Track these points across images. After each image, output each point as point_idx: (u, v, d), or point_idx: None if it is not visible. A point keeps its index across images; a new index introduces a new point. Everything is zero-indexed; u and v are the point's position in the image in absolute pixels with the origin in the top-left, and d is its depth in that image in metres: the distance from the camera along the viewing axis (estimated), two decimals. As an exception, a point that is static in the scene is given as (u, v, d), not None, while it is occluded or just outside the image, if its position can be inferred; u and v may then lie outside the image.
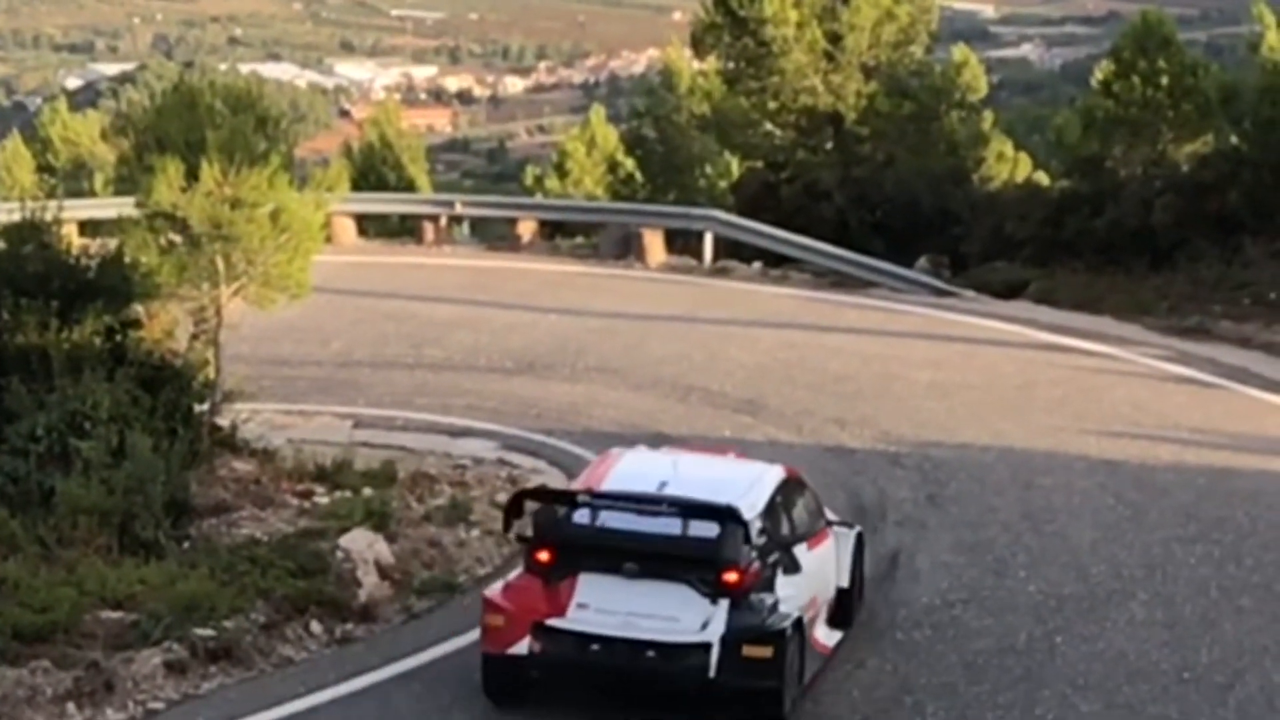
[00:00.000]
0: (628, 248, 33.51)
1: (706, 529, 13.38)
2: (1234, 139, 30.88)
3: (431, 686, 13.93)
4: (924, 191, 34.30)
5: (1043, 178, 36.26)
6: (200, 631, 14.23)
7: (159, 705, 13.47)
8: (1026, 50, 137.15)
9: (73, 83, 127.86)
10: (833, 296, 30.17)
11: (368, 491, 18.26)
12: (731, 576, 13.25)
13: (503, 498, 18.90)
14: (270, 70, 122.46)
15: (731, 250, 33.35)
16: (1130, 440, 20.83)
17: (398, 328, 27.47)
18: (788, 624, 13.33)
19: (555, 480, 19.85)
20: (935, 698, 13.64)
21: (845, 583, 15.11)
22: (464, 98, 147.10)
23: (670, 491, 13.73)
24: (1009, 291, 30.07)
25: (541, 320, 27.89)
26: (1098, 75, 32.49)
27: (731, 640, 13.09)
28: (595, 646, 13.22)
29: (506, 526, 14.04)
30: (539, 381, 24.32)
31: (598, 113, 47.61)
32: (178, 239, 20.30)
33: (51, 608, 14.12)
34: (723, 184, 41.63)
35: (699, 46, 36.66)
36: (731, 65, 35.90)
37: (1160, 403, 22.72)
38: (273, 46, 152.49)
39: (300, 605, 15.14)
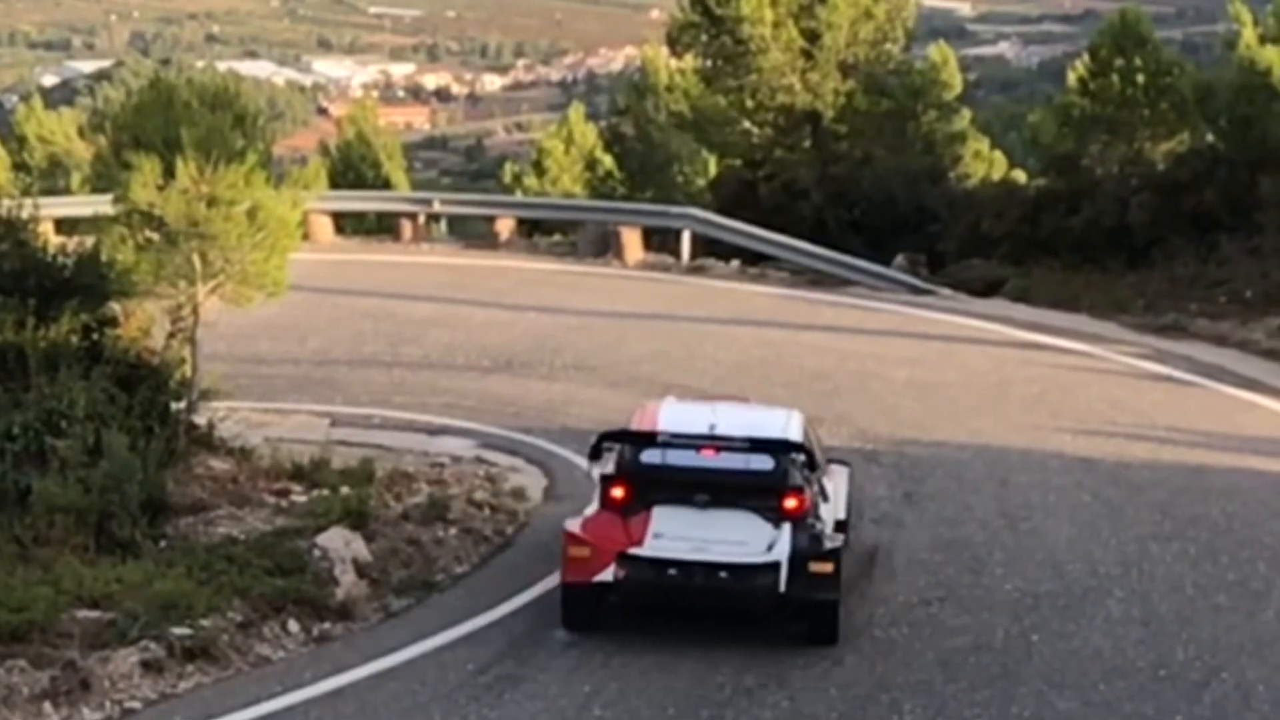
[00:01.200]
0: (606, 246, 33.52)
1: (766, 461, 14.98)
2: (1210, 137, 30.98)
3: (410, 685, 13.92)
4: (901, 190, 34.36)
5: (1019, 176, 36.35)
6: (177, 630, 14.20)
7: (136, 704, 13.44)
8: (1004, 48, 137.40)
9: (49, 80, 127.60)
10: (810, 294, 30.22)
11: (345, 490, 18.23)
12: (791, 502, 14.86)
13: (480, 495, 18.97)
14: (248, 68, 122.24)
15: (709, 248, 33.39)
16: (1106, 438, 20.89)
17: (375, 326, 27.46)
18: (840, 543, 15.10)
19: (534, 479, 19.90)
20: (912, 695, 13.67)
21: (843, 514, 16.45)
22: (442, 95, 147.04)
23: (720, 432, 15.13)
24: (986, 289, 30.15)
25: (519, 318, 27.89)
26: (1074, 73, 32.57)
27: (799, 558, 14.58)
28: (672, 571, 14.61)
29: (592, 462, 15.52)
30: (517, 380, 24.32)
31: (576, 110, 47.64)
32: (154, 237, 20.24)
33: (28, 607, 14.08)
34: (701, 182, 41.67)
35: (676, 45, 36.68)
36: (709, 64, 35.93)
37: (1136, 400, 22.78)
38: (250, 44, 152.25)
39: (277, 604, 15.12)
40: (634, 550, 14.73)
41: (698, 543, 14.72)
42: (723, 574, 14.59)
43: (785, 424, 15.67)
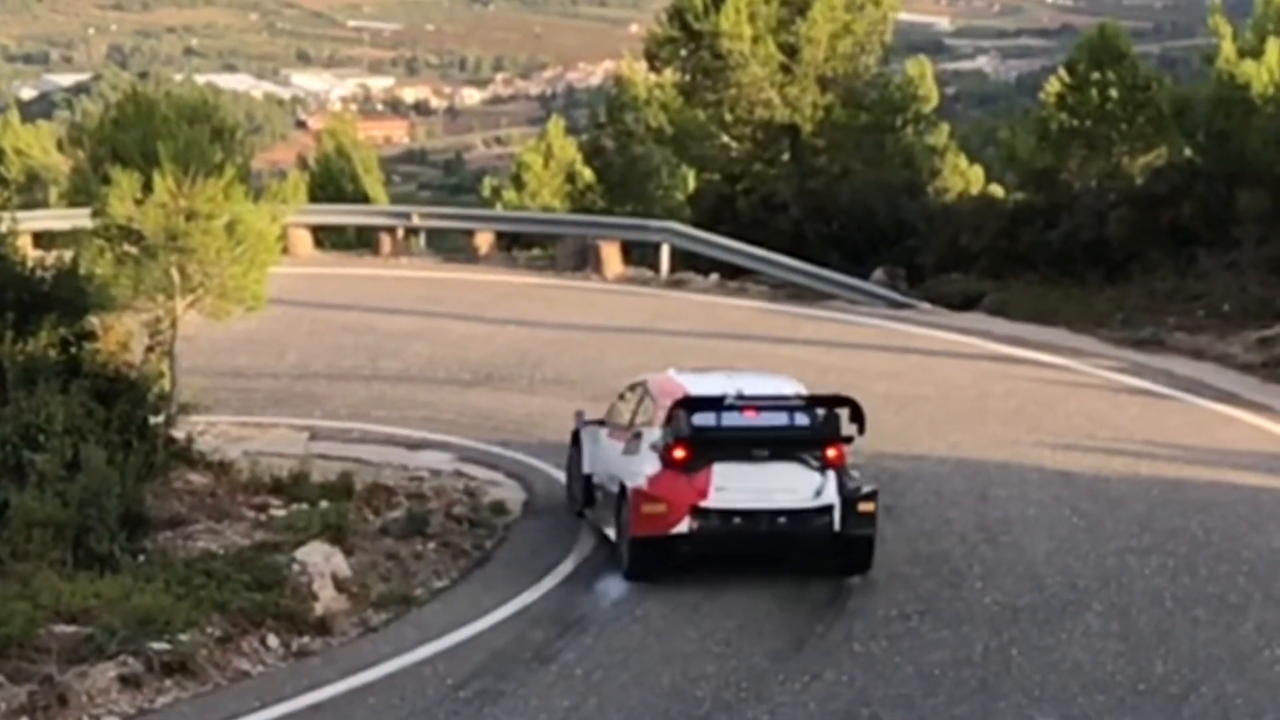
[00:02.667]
0: (585, 259, 33.55)
1: (807, 418, 16.87)
2: (1187, 151, 31.07)
3: (389, 700, 13.88)
4: (880, 204, 34.43)
5: (998, 190, 36.43)
6: (155, 645, 14.16)
7: (113, 719, 13.40)
8: (982, 62, 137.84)
9: (27, 93, 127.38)
10: (789, 308, 30.25)
11: (324, 504, 18.21)
12: (833, 452, 16.77)
13: (459, 510, 18.95)
14: (226, 81, 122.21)
15: (689, 262, 33.42)
16: (1085, 452, 20.92)
17: (354, 339, 27.44)
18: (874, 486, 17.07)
19: (514, 493, 19.88)
20: (892, 709, 13.66)
21: None
22: (421, 109, 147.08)
23: (747, 394, 16.98)
24: (964, 303, 30.20)
25: (499, 332, 27.88)
26: (1051, 88, 32.66)
27: (848, 500, 16.62)
28: (737, 520, 16.50)
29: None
30: (496, 393, 24.31)
31: (556, 124, 47.64)
32: (133, 250, 20.23)
33: (5, 622, 14.02)
34: (680, 196, 41.70)
35: (654, 60, 36.73)
36: (688, 78, 35.98)
37: (1115, 414, 22.82)
38: (229, 57, 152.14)
39: (256, 619, 15.08)
40: (703, 503, 16.40)
41: (758, 493, 16.52)
42: (782, 519, 16.53)
43: (796, 385, 17.58)
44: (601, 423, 18.71)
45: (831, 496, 16.60)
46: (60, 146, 44.82)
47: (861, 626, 15.40)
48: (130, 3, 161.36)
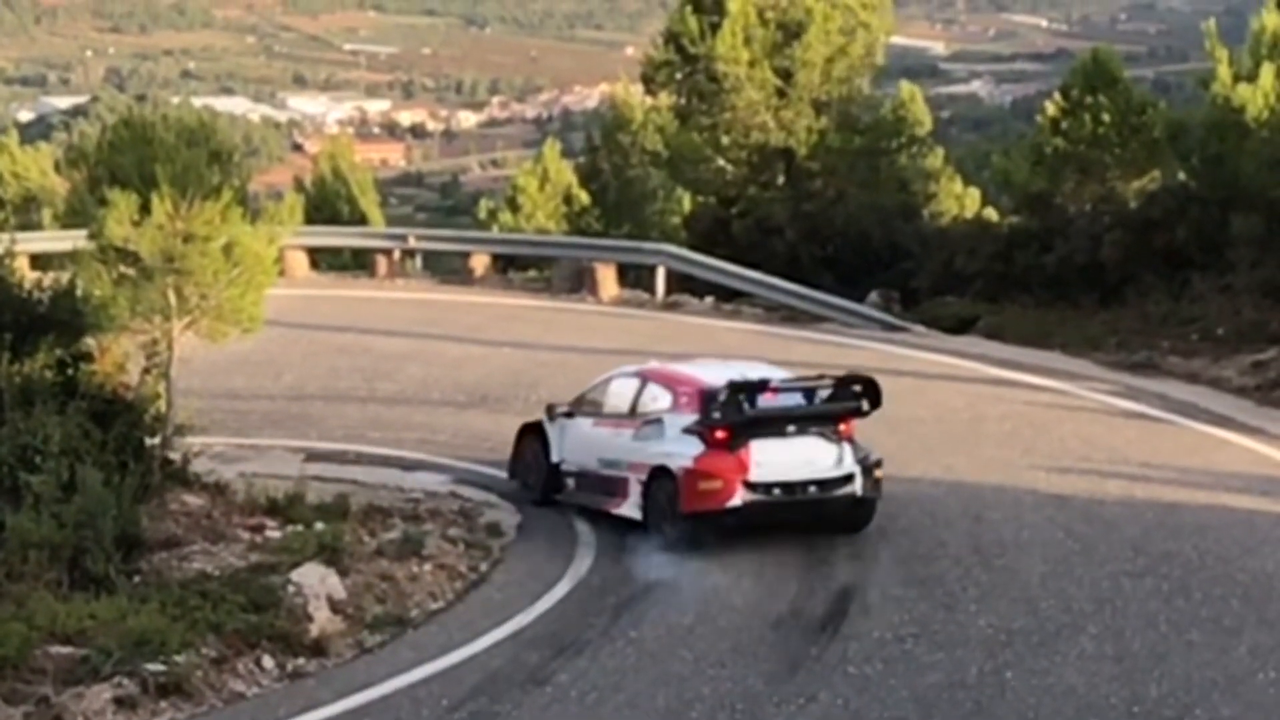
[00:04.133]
0: (580, 282, 33.58)
1: (825, 396, 18.76)
2: (1182, 175, 31.11)
3: (383, 721, 13.91)
4: (874, 227, 34.46)
5: (992, 214, 36.47)
6: (151, 666, 14.17)
7: (109, 740, 13.42)
8: (976, 86, 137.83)
9: (24, 115, 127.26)
10: (784, 331, 30.28)
11: (320, 525, 18.22)
12: (844, 427, 18.79)
13: (454, 531, 18.96)
14: (223, 104, 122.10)
15: (684, 285, 33.44)
16: (1079, 475, 20.94)
17: (350, 361, 27.46)
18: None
19: (509, 515, 19.90)
20: (886, 731, 13.69)
21: None
22: (417, 132, 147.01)
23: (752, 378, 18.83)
24: (959, 326, 30.22)
25: (494, 354, 27.91)
26: (1045, 112, 32.72)
27: (865, 468, 18.67)
28: (777, 491, 18.42)
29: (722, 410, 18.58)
30: (492, 415, 24.32)
31: (551, 147, 47.67)
32: (130, 272, 20.25)
33: (1, 643, 14.04)
34: (675, 219, 41.75)
35: (650, 83, 36.77)
36: (683, 101, 36.02)
37: (1109, 437, 22.84)
38: (226, 80, 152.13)
39: (251, 640, 15.10)
40: (749, 478, 18.25)
41: (790, 466, 18.47)
42: (812, 488, 18.51)
43: (774, 370, 19.63)
44: (569, 415, 20.13)
45: (851, 465, 18.66)
46: (58, 168, 44.88)
47: (856, 649, 15.42)
48: (128, 25, 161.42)
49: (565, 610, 16.66)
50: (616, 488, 19.26)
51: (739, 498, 18.27)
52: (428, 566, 17.74)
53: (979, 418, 23.93)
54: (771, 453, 18.44)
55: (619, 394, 19.82)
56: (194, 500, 18.93)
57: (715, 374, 19.23)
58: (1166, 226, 30.07)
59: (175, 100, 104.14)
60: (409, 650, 15.54)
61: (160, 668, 14.19)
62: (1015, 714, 14.00)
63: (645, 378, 19.69)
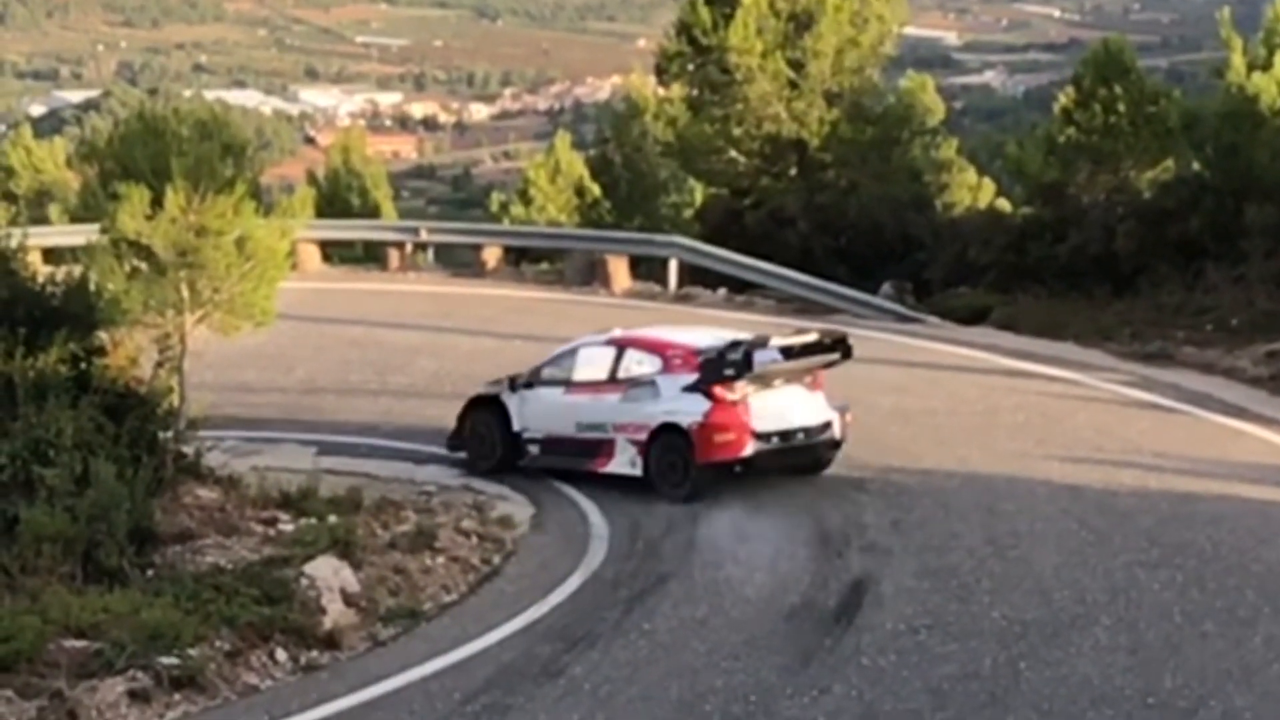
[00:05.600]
0: (592, 274, 33.58)
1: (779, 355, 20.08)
2: (1195, 165, 31.05)
3: (397, 714, 13.90)
4: (887, 218, 34.44)
5: (1005, 204, 36.43)
6: (164, 660, 14.18)
7: (123, 734, 13.44)
8: (989, 77, 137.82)
9: (36, 110, 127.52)
10: (796, 323, 30.19)
11: (332, 518, 18.24)
12: (815, 378, 20.62)
13: (468, 524, 18.97)
14: (235, 97, 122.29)
15: (696, 276, 33.42)
16: (1093, 465, 20.91)
17: (362, 354, 27.47)
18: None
19: (521, 508, 19.90)
20: (900, 723, 13.68)
21: None
22: (429, 124, 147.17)
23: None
24: (972, 317, 30.18)
25: (506, 346, 27.87)
26: (1059, 103, 32.66)
27: (840, 414, 20.64)
28: (776, 439, 20.11)
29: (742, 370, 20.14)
30: (504, 408, 24.26)
31: (562, 139, 47.65)
32: (143, 266, 20.26)
33: (15, 636, 14.06)
34: (687, 211, 41.74)
35: (663, 74, 36.76)
36: (695, 92, 36.00)
37: (1123, 428, 22.81)
38: (238, 73, 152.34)
39: (265, 633, 15.11)
40: (755, 429, 19.90)
41: (779, 417, 20.15)
42: (801, 435, 20.30)
43: (732, 334, 21.09)
44: (529, 386, 21.34)
45: (828, 412, 20.51)
46: (69, 162, 44.95)
47: (869, 640, 15.39)
48: (140, 19, 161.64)
49: (578, 603, 16.65)
50: (599, 449, 20.56)
51: (750, 448, 19.89)
52: (440, 559, 17.74)
53: (992, 409, 23.90)
54: (767, 405, 20.10)
55: (592, 362, 20.98)
56: (207, 494, 18.95)
57: (692, 338, 20.99)
58: (1180, 217, 30.02)
59: (187, 94, 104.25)
60: (422, 643, 15.55)
61: (174, 661, 14.20)
62: (1029, 705, 13.97)
63: (620, 345, 20.94)
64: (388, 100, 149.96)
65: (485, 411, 21.61)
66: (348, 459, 22.05)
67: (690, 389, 20.09)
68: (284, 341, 25.03)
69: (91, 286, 19.32)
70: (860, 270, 32.79)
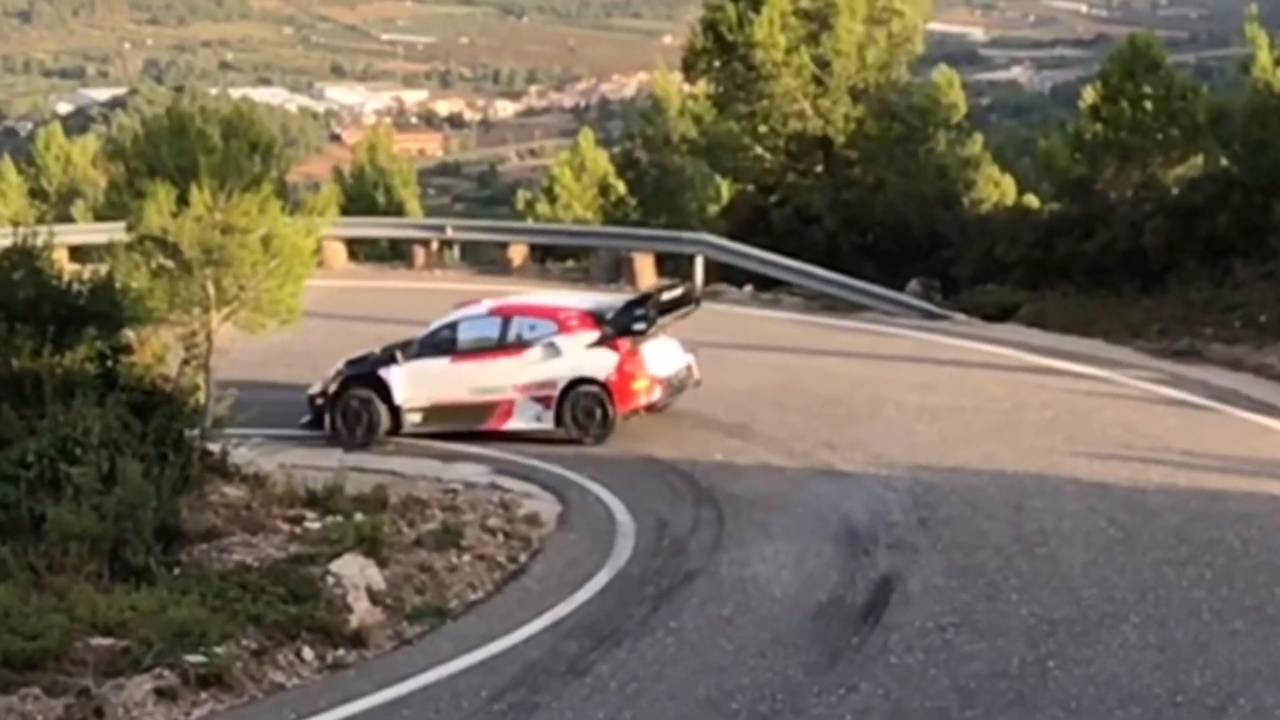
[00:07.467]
0: (618, 271, 33.55)
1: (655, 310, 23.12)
2: (1224, 161, 30.92)
3: (423, 712, 13.90)
4: (914, 215, 34.34)
5: (1033, 200, 36.32)
6: (191, 658, 14.20)
7: (150, 732, 13.45)
8: (1016, 73, 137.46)
9: (63, 108, 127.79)
10: (824, 320, 30.21)
11: (359, 517, 18.25)
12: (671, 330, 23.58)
13: (493, 522, 18.96)
14: (261, 95, 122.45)
15: (722, 274, 33.37)
16: (1121, 463, 20.83)
17: (389, 352, 27.39)
18: None
19: (548, 505, 19.90)
20: (928, 722, 13.64)
21: None
22: (455, 122, 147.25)
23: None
24: (999, 314, 30.09)
25: (533, 344, 27.83)
26: (1086, 99, 32.55)
27: (691, 355, 23.63)
28: (664, 381, 22.91)
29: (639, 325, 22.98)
30: (530, 406, 24.27)
31: (586, 136, 47.63)
32: (169, 264, 20.29)
33: (42, 635, 14.09)
34: (714, 208, 41.68)
35: (689, 71, 36.70)
36: (721, 89, 35.95)
37: (1151, 425, 22.72)
38: (264, 71, 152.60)
39: (291, 631, 15.12)
40: (657, 376, 22.79)
41: (665, 362, 23.08)
42: (676, 378, 23.15)
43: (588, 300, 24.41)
44: (392, 358, 23.26)
45: (687, 356, 23.47)
46: (95, 161, 45.08)
47: (897, 639, 15.35)
48: (166, 17, 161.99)
49: (604, 601, 16.63)
50: (495, 409, 22.66)
51: (657, 393, 22.75)
52: (467, 557, 17.73)
53: (1020, 406, 23.83)
54: (654, 354, 22.90)
55: (477, 331, 23.21)
56: (233, 492, 18.97)
57: (573, 301, 24.12)
58: (1208, 213, 29.88)
59: (213, 91, 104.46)
60: (448, 641, 15.54)
61: (200, 659, 14.22)
62: (1057, 704, 13.92)
63: (505, 314, 23.34)
64: (413, 98, 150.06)
65: (361, 388, 23.10)
66: (374, 457, 22.08)
67: (596, 345, 22.64)
68: (311, 339, 25.03)
69: (118, 285, 19.34)
70: (887, 267, 32.70)
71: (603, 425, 22.46)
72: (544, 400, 22.60)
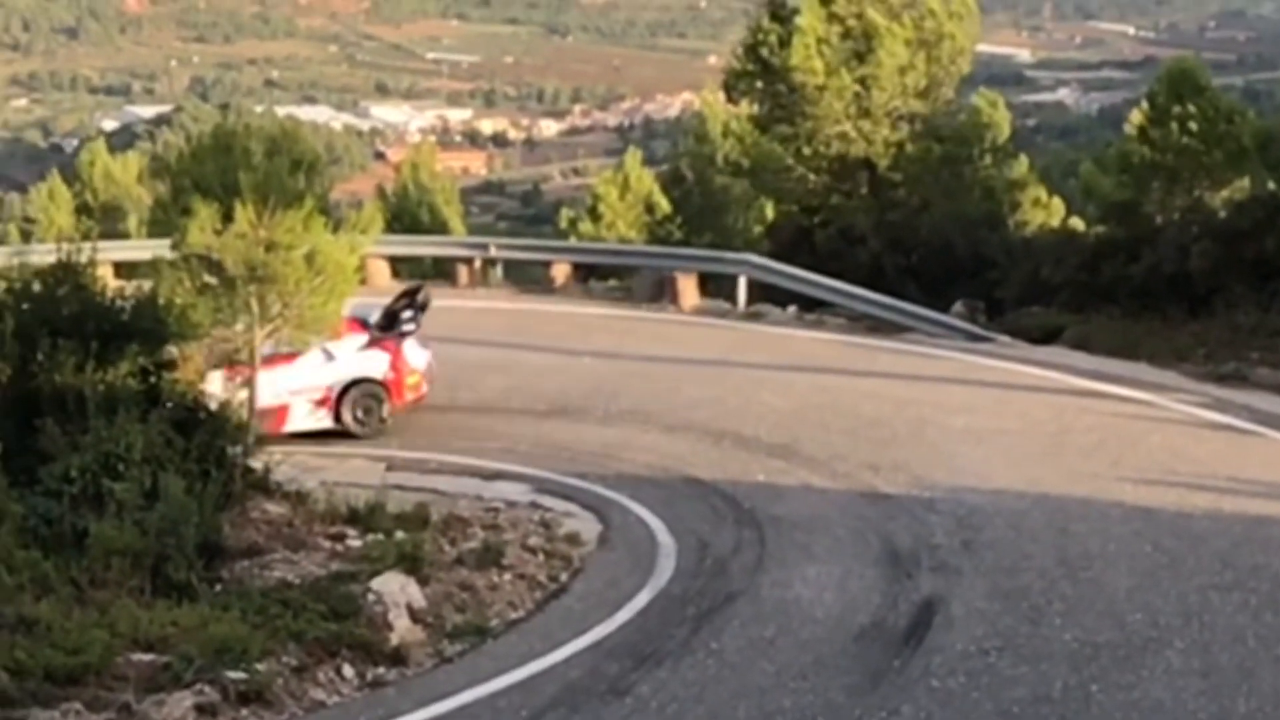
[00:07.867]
0: (661, 291, 33.53)
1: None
2: (1270, 184, 30.77)
3: (463, 731, 13.87)
4: (959, 236, 34.27)
5: (1078, 223, 36.20)
6: (232, 674, 14.19)
7: (190, 748, 13.44)
8: (1063, 94, 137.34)
9: (109, 125, 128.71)
10: (867, 341, 30.13)
11: (400, 534, 18.23)
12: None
13: (535, 541, 18.93)
14: (306, 112, 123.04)
15: (766, 294, 33.33)
16: (1167, 487, 20.71)
17: (431, 370, 27.44)
18: None
19: (589, 525, 19.86)
20: (970, 746, 13.55)
21: None
22: (499, 140, 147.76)
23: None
24: (1044, 337, 29.97)
25: (575, 363, 27.89)
26: (1132, 121, 32.45)
27: (429, 352, 25.60)
28: (422, 375, 25.17)
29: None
30: (572, 424, 24.31)
31: (632, 156, 47.66)
32: (212, 281, 20.34)
33: (84, 649, 14.10)
34: (757, 228, 41.68)
35: (731, 93, 36.73)
36: (764, 111, 35.94)
37: (1197, 449, 22.59)
38: (308, 89, 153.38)
39: (332, 648, 15.10)
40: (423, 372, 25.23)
41: (420, 360, 25.07)
42: (430, 368, 25.25)
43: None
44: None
45: (426, 352, 25.38)
46: (141, 177, 45.30)
47: (939, 662, 15.27)
48: (212, 35, 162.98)
49: (645, 621, 16.58)
50: (271, 414, 22.96)
51: (424, 387, 24.94)
52: (507, 576, 17.70)
53: (1065, 429, 23.72)
54: (410, 350, 24.98)
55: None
56: (275, 508, 18.98)
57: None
58: (1255, 236, 29.73)
59: (259, 109, 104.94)
60: (488, 660, 15.51)
61: (241, 675, 14.21)
62: (1101, 729, 13.83)
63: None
64: (458, 116, 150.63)
65: None
66: (416, 475, 22.09)
67: (366, 348, 24.60)
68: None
69: (161, 301, 19.40)
70: (931, 289, 32.63)
71: (380, 420, 24.37)
72: (320, 402, 24.21)
